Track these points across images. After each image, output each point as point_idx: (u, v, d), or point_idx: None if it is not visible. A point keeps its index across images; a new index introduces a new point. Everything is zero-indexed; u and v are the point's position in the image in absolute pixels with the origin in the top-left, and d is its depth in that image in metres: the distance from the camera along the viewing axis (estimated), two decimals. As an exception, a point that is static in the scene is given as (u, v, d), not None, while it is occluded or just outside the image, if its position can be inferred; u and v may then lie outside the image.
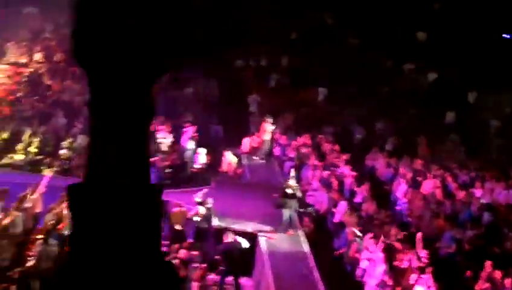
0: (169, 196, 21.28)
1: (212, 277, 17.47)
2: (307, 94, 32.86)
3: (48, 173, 22.91)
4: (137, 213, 4.44)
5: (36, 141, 25.67)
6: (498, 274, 17.35)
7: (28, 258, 16.70)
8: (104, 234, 4.31)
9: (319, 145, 27.82)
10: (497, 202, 22.91)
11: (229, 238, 18.28)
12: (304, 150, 26.95)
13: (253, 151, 27.69)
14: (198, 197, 20.10)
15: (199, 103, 31.49)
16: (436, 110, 31.14)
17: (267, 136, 27.31)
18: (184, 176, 25.43)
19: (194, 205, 20.09)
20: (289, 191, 20.21)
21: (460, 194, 23.06)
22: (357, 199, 22.99)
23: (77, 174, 23.46)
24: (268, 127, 27.30)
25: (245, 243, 18.37)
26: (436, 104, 31.34)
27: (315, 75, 33.74)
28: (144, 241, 4.47)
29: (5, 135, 26.11)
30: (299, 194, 20.69)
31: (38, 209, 19.31)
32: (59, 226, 17.74)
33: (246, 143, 28.07)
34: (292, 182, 20.69)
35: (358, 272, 18.67)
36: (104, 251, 4.31)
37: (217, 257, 18.52)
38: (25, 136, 25.92)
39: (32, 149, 25.40)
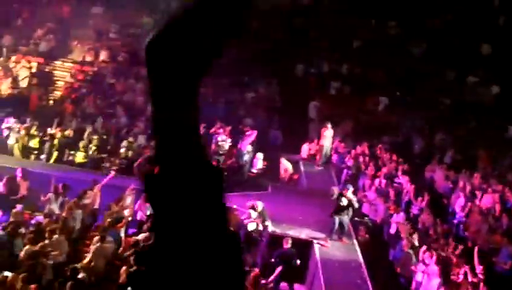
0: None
1: (265, 281, 17.45)
2: (368, 102, 32.75)
3: (107, 171, 23.29)
4: (206, 191, 4.70)
5: (97, 139, 26.05)
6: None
7: (84, 255, 16.97)
8: (181, 215, 4.56)
9: (377, 154, 27.65)
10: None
11: (287, 244, 18.27)
12: (362, 158, 26.87)
13: (311, 157, 27.64)
14: (250, 202, 20.10)
15: (260, 107, 31.60)
16: (498, 124, 30.71)
17: (326, 143, 27.18)
18: (241, 180, 25.51)
19: (247, 209, 20.15)
20: (344, 199, 20.03)
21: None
22: (414, 210, 22.83)
23: (136, 174, 23.80)
24: (328, 134, 27.16)
25: (298, 261, 18.30)
26: (498, 118, 30.91)
27: (376, 84, 33.62)
28: (213, 217, 4.74)
29: (67, 133, 26.58)
30: (355, 203, 20.50)
31: (96, 206, 19.65)
32: (118, 225, 18.01)
33: (305, 149, 28.06)
34: (349, 191, 20.49)
35: (412, 285, 18.55)
36: (182, 230, 4.53)
37: (270, 262, 18.50)
38: (86, 134, 26.35)
39: (93, 147, 25.78)
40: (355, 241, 20.24)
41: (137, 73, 31.84)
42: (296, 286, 18.44)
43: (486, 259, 19.43)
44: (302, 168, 26.67)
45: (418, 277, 18.39)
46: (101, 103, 30.06)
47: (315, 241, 19.62)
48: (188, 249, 4.49)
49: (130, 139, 26.16)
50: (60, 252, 16.41)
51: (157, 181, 4.63)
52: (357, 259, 19.15)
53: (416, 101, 32.45)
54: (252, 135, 27.03)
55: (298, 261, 18.31)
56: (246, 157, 26.56)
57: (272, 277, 16.89)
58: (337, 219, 19.91)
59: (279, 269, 17.37)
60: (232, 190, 23.50)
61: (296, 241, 19.04)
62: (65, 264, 15.98)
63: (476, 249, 18.98)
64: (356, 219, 22.18)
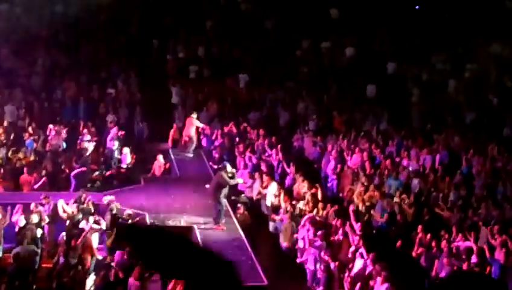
0: (97, 197, 21.00)
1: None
2: (228, 82, 32.73)
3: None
4: None
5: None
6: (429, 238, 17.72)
7: None
8: None
9: (244, 131, 27.69)
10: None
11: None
12: (229, 138, 26.91)
13: (180, 144, 27.42)
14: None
15: (121, 101, 30.92)
16: (356, 84, 31.36)
17: (192, 130, 26.86)
18: (112, 177, 25.12)
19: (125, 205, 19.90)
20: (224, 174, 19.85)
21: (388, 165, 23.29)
22: (288, 180, 23.09)
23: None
24: (193, 121, 26.87)
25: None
26: (356, 78, 31.56)
27: (234, 63, 33.66)
28: None
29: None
30: (232, 181, 20.42)
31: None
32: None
33: (172, 137, 27.83)
34: (228, 167, 20.29)
35: (296, 252, 18.84)
36: None
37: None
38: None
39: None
40: (235, 220, 20.29)
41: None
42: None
43: (363, 216, 19.92)
44: (172, 156, 26.44)
45: (300, 243, 18.67)
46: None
47: (196, 226, 19.53)
48: None
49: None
50: None
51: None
52: (239, 237, 19.22)
53: (275, 73, 32.68)
54: (113, 131, 26.71)
55: None
56: (114, 154, 26.16)
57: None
58: (223, 200, 19.81)
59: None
60: (105, 188, 23.16)
61: (177, 229, 18.88)
62: None
63: (351, 207, 19.44)
64: (233, 197, 22.20)
